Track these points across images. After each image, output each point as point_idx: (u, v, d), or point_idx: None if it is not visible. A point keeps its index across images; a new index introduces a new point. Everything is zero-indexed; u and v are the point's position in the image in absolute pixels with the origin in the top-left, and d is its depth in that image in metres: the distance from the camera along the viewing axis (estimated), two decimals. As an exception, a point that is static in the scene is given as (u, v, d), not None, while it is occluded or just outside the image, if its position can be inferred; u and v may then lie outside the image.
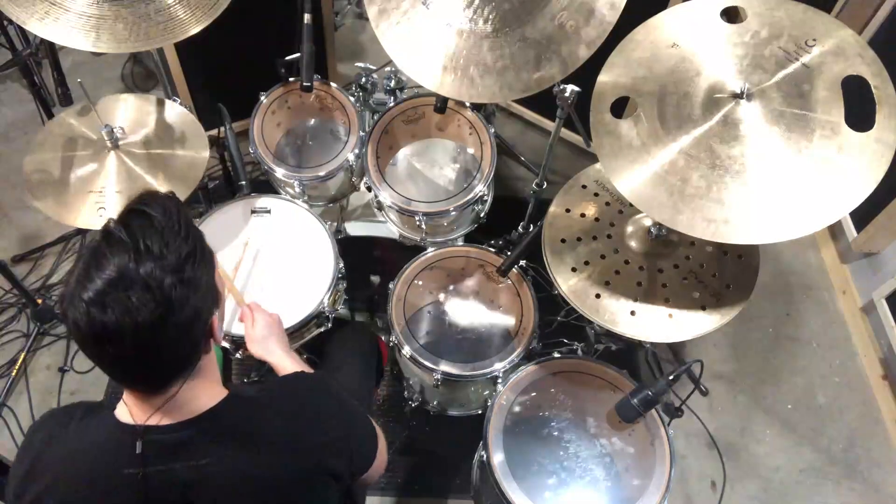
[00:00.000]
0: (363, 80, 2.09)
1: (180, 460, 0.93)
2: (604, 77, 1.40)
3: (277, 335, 1.41)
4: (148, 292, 0.82)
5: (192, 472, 0.93)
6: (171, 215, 0.90)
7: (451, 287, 1.82)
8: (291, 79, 2.00)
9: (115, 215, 0.90)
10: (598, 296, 1.54)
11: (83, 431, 0.98)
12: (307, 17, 1.87)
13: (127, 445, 0.92)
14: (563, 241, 1.62)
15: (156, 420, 0.94)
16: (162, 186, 1.66)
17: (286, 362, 1.33)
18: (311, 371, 1.19)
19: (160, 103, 1.82)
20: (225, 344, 1.64)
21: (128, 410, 0.95)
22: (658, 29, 1.40)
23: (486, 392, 1.81)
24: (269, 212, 1.82)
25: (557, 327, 1.97)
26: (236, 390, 1.03)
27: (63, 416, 1.02)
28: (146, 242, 0.85)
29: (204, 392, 0.97)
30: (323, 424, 1.05)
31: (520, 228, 2.13)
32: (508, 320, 1.77)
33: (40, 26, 1.52)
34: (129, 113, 1.79)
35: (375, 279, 1.97)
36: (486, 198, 1.98)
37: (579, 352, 1.89)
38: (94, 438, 0.97)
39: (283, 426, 1.01)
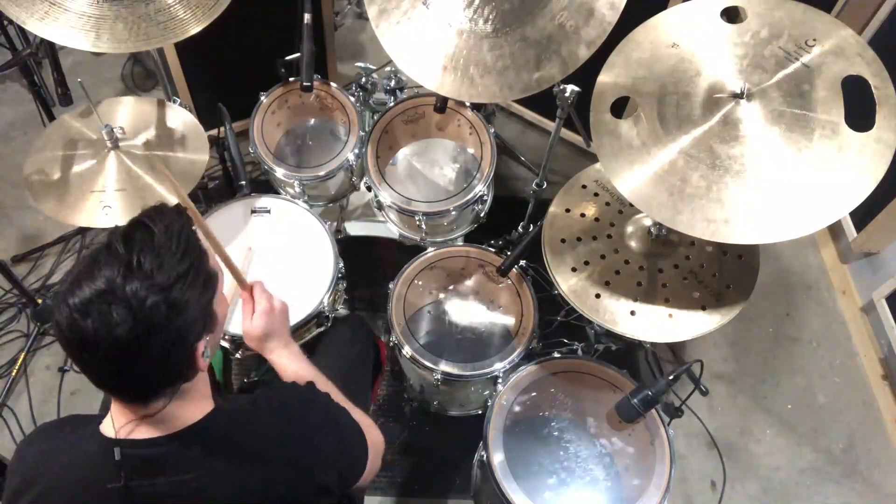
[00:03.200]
0: (363, 80, 2.09)
1: (163, 475, 0.92)
2: (604, 77, 1.40)
3: (278, 330, 1.31)
4: (129, 310, 0.82)
5: (176, 487, 0.92)
6: (172, 233, 0.89)
7: (451, 287, 1.82)
8: (291, 79, 2.00)
9: (122, 223, 0.90)
10: (598, 296, 1.54)
11: (71, 445, 0.98)
12: (307, 17, 1.88)
13: (108, 459, 0.92)
14: (563, 241, 1.62)
15: (136, 433, 0.92)
16: (161, 186, 1.66)
17: (285, 362, 1.28)
18: (304, 382, 1.15)
19: (160, 104, 1.82)
20: (224, 344, 1.64)
21: (111, 422, 0.94)
22: (658, 29, 1.40)
23: (486, 392, 1.81)
24: (269, 212, 1.82)
25: (557, 327, 1.96)
26: (223, 404, 1.01)
27: (53, 429, 1.02)
28: (140, 258, 0.84)
29: (189, 408, 0.96)
30: (313, 439, 1.03)
31: (520, 228, 2.13)
32: (508, 320, 1.77)
33: (40, 26, 1.52)
34: (130, 113, 1.79)
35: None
36: (485, 198, 1.98)
37: (579, 352, 1.89)
38: (79, 452, 0.97)
39: (272, 441, 1.00)
